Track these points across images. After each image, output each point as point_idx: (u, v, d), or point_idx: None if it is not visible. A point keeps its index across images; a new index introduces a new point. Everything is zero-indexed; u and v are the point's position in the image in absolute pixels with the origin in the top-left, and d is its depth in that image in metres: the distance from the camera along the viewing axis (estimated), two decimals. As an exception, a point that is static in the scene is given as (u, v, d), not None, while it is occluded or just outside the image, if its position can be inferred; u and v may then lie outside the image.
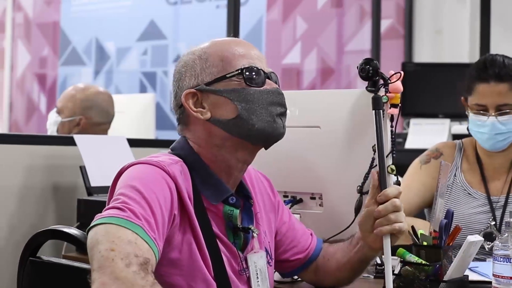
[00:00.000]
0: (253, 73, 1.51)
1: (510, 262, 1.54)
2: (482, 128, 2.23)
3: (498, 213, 2.25)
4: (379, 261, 1.90)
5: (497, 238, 2.13)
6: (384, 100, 1.64)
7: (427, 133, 4.01)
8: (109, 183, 1.47)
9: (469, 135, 2.43)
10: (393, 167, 1.62)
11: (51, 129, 3.27)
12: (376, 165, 1.64)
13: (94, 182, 2.75)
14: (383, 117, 1.64)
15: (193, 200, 1.46)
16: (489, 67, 2.23)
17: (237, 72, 1.51)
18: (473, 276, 1.78)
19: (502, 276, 1.54)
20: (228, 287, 1.49)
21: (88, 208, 2.63)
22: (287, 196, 1.96)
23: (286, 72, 5.03)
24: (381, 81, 1.66)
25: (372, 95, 1.64)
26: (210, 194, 1.50)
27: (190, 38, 5.45)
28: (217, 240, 1.49)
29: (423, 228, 1.77)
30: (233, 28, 3.30)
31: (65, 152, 2.92)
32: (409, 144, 4.00)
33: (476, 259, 2.01)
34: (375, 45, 4.68)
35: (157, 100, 5.29)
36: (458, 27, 4.59)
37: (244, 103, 1.49)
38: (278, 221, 1.72)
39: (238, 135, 1.50)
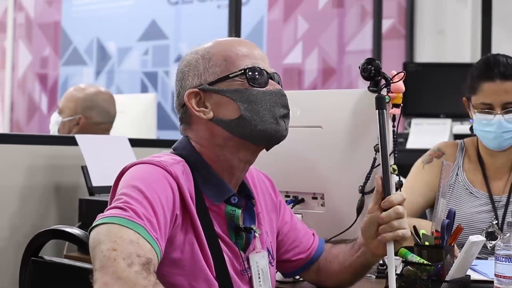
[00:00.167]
0: (256, 73, 1.51)
1: (512, 262, 1.54)
2: (488, 127, 2.23)
3: (500, 213, 2.26)
4: (381, 261, 1.90)
5: (499, 237, 2.13)
6: (386, 100, 1.64)
7: (428, 133, 4.01)
8: (110, 183, 1.47)
9: (470, 135, 2.43)
10: (395, 167, 1.62)
11: (53, 130, 3.28)
12: (378, 164, 1.64)
13: (95, 182, 2.75)
14: (386, 117, 1.64)
15: (195, 200, 1.46)
16: (494, 66, 2.24)
17: (240, 72, 1.50)
18: (472, 275, 1.78)
19: (504, 276, 1.54)
20: (230, 287, 1.49)
21: (90, 208, 2.63)
22: (289, 196, 1.96)
23: (287, 72, 5.03)
24: (383, 81, 1.65)
25: (374, 95, 1.64)
26: (212, 194, 1.50)
27: (191, 38, 5.45)
28: (219, 240, 1.49)
29: (427, 228, 1.77)
30: (234, 28, 3.30)
31: (67, 152, 2.92)
32: (411, 144, 4.00)
33: (478, 258, 2.01)
34: (376, 45, 4.68)
35: (158, 100, 5.29)
36: (460, 27, 4.59)
37: (247, 103, 1.49)
38: (280, 221, 1.72)
39: (240, 135, 1.50)
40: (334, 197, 1.88)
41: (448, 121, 4.05)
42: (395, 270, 1.64)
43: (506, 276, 1.54)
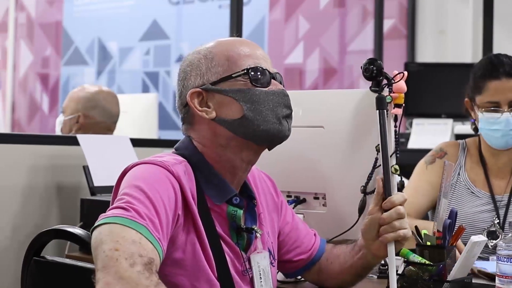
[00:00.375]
0: (259, 73, 1.51)
1: (514, 262, 1.54)
2: (495, 125, 2.23)
3: (501, 212, 2.26)
4: (382, 261, 1.90)
5: (500, 237, 2.13)
6: (388, 100, 1.64)
7: (430, 133, 4.00)
8: (112, 182, 1.47)
9: (471, 135, 2.43)
10: (396, 167, 1.62)
11: (57, 129, 3.29)
12: (380, 165, 1.64)
13: (97, 182, 2.75)
14: (387, 117, 1.64)
15: (197, 200, 1.46)
16: (498, 65, 2.26)
17: (243, 72, 1.50)
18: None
19: (506, 276, 1.54)
20: (231, 287, 1.49)
21: (91, 208, 2.63)
22: (290, 196, 1.96)
23: (289, 72, 5.03)
24: (385, 81, 1.65)
25: (375, 95, 1.64)
26: (214, 194, 1.50)
27: (192, 38, 5.45)
28: (221, 241, 1.49)
29: (428, 229, 1.77)
30: (236, 28, 3.30)
31: (68, 152, 2.92)
32: (412, 144, 4.00)
33: (479, 258, 2.01)
34: (377, 45, 4.67)
35: (159, 100, 5.29)
36: (461, 27, 4.59)
37: (250, 103, 1.49)
38: (281, 221, 1.72)
39: (243, 135, 1.50)
40: (336, 197, 1.88)
41: (450, 121, 4.05)
42: (397, 270, 1.65)
43: (508, 276, 1.54)
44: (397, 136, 1.66)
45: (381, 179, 1.60)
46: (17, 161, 2.78)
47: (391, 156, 1.63)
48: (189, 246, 1.43)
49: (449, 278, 1.63)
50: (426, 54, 4.72)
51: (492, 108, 2.23)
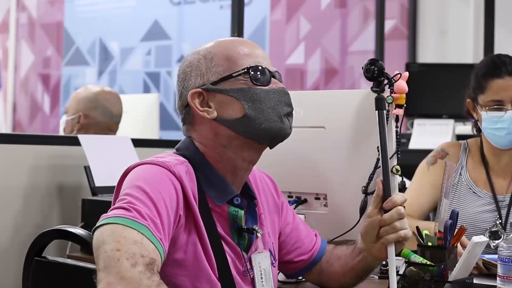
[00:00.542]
0: (259, 72, 1.51)
1: (515, 263, 1.54)
2: (499, 123, 2.23)
3: (503, 212, 2.26)
4: (384, 262, 1.90)
5: (502, 237, 2.13)
6: (390, 101, 1.64)
7: (431, 134, 4.00)
8: (113, 183, 1.47)
9: (473, 136, 2.43)
10: (398, 167, 1.62)
11: (61, 129, 3.31)
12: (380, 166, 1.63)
13: (98, 182, 2.75)
14: (388, 117, 1.64)
15: (198, 200, 1.46)
16: (501, 64, 2.27)
17: (243, 71, 1.51)
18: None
19: (507, 277, 1.54)
20: (232, 287, 1.49)
21: (93, 208, 2.63)
22: (291, 197, 1.96)
23: (290, 73, 5.03)
24: (387, 82, 1.66)
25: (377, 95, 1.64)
26: (215, 195, 1.50)
27: (194, 39, 5.46)
28: (222, 241, 1.49)
29: (430, 229, 1.77)
30: (237, 29, 3.30)
31: (70, 152, 2.92)
32: (413, 145, 4.00)
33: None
34: (379, 45, 4.67)
35: (160, 100, 5.29)
36: (462, 27, 4.59)
37: (251, 102, 1.49)
38: (282, 222, 1.72)
39: (245, 134, 1.50)
40: (337, 197, 1.88)
41: (451, 121, 4.05)
42: (398, 271, 1.65)
43: (510, 277, 1.54)
44: (398, 137, 1.66)
45: (381, 181, 1.60)
46: (18, 162, 2.78)
47: (392, 156, 1.63)
48: (190, 246, 1.43)
49: (450, 278, 1.63)
50: (427, 55, 4.72)
51: (496, 107, 2.24)
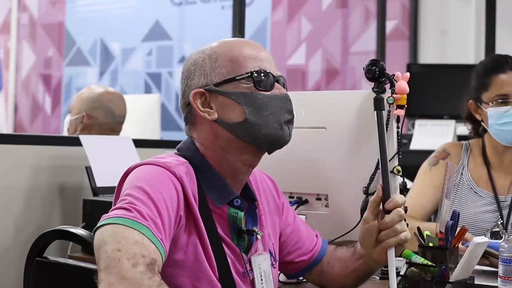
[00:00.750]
0: (262, 76, 1.51)
1: (516, 264, 1.54)
2: (505, 118, 2.24)
3: (505, 212, 2.26)
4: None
5: (503, 237, 2.13)
6: (391, 101, 1.64)
7: (432, 134, 4.00)
8: (114, 183, 1.47)
9: (474, 137, 2.43)
10: (399, 168, 1.62)
11: (65, 129, 3.31)
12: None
13: (99, 183, 2.75)
14: (389, 118, 1.64)
15: (198, 201, 1.46)
16: (503, 61, 2.31)
17: (246, 75, 1.50)
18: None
19: (508, 278, 1.54)
20: (233, 288, 1.49)
21: (94, 209, 2.64)
22: (292, 197, 1.96)
23: (291, 73, 5.03)
24: (388, 82, 1.66)
25: (379, 96, 1.64)
26: (215, 196, 1.50)
27: (195, 39, 5.46)
28: (221, 242, 1.49)
29: (431, 230, 1.77)
30: (238, 29, 3.30)
31: (71, 153, 2.93)
32: (414, 145, 4.00)
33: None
34: (380, 46, 4.67)
35: (162, 100, 5.30)
36: (463, 28, 4.59)
37: (252, 107, 1.49)
38: (283, 222, 1.72)
39: (244, 138, 1.50)
40: (338, 198, 1.88)
41: (452, 122, 4.05)
42: (399, 272, 1.65)
43: (510, 278, 1.54)
44: (399, 137, 1.66)
45: (381, 186, 1.59)
46: (19, 162, 2.79)
47: (393, 157, 1.63)
48: (191, 247, 1.43)
49: (451, 279, 1.63)
50: (428, 55, 4.72)
51: (501, 101, 2.24)
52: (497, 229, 2.22)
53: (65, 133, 3.33)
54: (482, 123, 2.33)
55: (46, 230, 1.62)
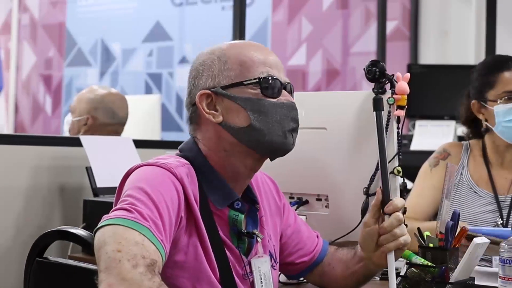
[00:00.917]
0: (270, 82, 1.50)
1: (516, 264, 1.54)
2: None
3: (505, 212, 2.26)
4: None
5: (503, 238, 2.13)
6: (391, 102, 1.64)
7: (432, 135, 4.00)
8: (115, 184, 1.47)
9: (473, 138, 2.43)
10: (399, 168, 1.62)
11: (65, 129, 3.30)
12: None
13: (100, 183, 2.75)
14: (390, 118, 1.64)
15: (199, 203, 1.46)
16: (506, 59, 2.33)
17: (254, 80, 1.49)
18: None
19: (508, 278, 1.54)
20: (233, 289, 1.49)
21: (94, 209, 2.64)
22: (293, 198, 1.96)
23: (292, 74, 5.03)
24: (388, 83, 1.66)
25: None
26: (216, 198, 1.49)
27: (195, 40, 5.46)
28: (222, 244, 1.49)
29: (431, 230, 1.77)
30: (239, 30, 3.30)
31: (71, 153, 2.93)
32: (415, 146, 4.00)
33: (482, 260, 2.01)
34: (380, 46, 4.67)
35: (162, 101, 5.30)
36: (464, 28, 4.59)
37: (257, 114, 1.48)
38: (283, 223, 1.72)
39: (247, 143, 1.49)
40: (338, 198, 1.88)
41: (452, 122, 4.05)
42: (399, 272, 1.65)
43: (511, 278, 1.54)
44: (399, 138, 1.66)
45: (381, 189, 1.59)
46: (20, 162, 2.79)
47: (393, 158, 1.63)
48: (191, 248, 1.43)
49: (451, 280, 1.63)
50: (429, 56, 4.72)
51: (508, 97, 2.26)
52: (497, 229, 2.22)
53: (65, 133, 3.33)
54: (486, 122, 2.33)
55: (46, 231, 1.62)
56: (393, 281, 1.53)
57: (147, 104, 4.56)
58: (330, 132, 1.87)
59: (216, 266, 1.46)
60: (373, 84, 1.67)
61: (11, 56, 6.41)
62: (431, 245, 1.70)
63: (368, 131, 1.76)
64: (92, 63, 6.01)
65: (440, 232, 1.70)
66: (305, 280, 1.84)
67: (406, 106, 1.66)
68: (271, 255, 1.61)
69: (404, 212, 1.58)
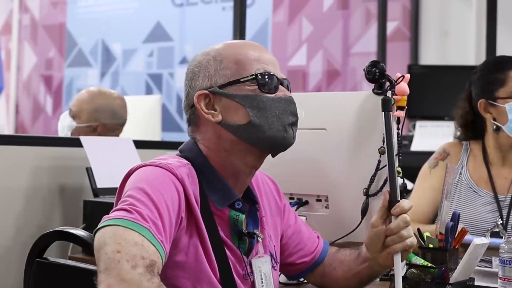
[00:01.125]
0: (267, 79, 1.50)
1: (516, 265, 1.54)
2: None
3: (505, 212, 2.26)
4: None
5: (503, 238, 2.13)
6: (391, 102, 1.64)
7: (433, 136, 4.00)
8: (115, 184, 1.47)
9: (475, 138, 2.43)
10: (399, 169, 1.62)
11: (64, 133, 3.18)
12: (383, 166, 1.63)
13: (100, 184, 2.75)
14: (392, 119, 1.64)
15: (200, 203, 1.46)
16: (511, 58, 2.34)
17: (251, 77, 1.50)
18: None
19: (508, 279, 1.54)
20: (233, 290, 1.49)
21: (94, 210, 2.64)
22: (293, 198, 1.96)
23: (292, 74, 5.03)
24: (388, 83, 1.65)
25: (378, 97, 1.63)
26: (216, 198, 1.49)
27: (196, 40, 5.46)
28: (223, 244, 1.49)
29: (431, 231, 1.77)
30: (239, 30, 3.30)
31: (72, 154, 2.93)
32: (415, 147, 4.00)
33: (482, 260, 2.01)
34: (381, 47, 4.67)
35: (163, 102, 5.30)
36: (464, 29, 4.59)
37: (256, 110, 1.48)
38: (284, 224, 1.72)
39: (248, 141, 1.50)
40: (338, 199, 1.88)
41: (453, 123, 4.04)
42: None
43: (511, 279, 1.54)
44: (399, 139, 1.66)
45: (388, 191, 1.58)
46: (20, 163, 2.79)
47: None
48: (192, 249, 1.43)
49: (451, 280, 1.63)
50: (429, 56, 4.72)
51: None
52: (497, 230, 2.22)
53: (60, 134, 3.24)
54: (494, 121, 2.31)
55: (46, 231, 1.62)
56: (399, 282, 1.52)
57: (148, 105, 4.55)
58: (330, 133, 1.87)
59: (217, 266, 1.46)
60: (373, 84, 1.67)
61: (12, 56, 6.41)
62: (431, 245, 1.70)
63: (368, 131, 1.76)
64: (92, 63, 6.02)
65: (440, 233, 1.70)
66: (305, 281, 1.84)
67: (406, 107, 1.66)
68: (271, 256, 1.61)
69: None
